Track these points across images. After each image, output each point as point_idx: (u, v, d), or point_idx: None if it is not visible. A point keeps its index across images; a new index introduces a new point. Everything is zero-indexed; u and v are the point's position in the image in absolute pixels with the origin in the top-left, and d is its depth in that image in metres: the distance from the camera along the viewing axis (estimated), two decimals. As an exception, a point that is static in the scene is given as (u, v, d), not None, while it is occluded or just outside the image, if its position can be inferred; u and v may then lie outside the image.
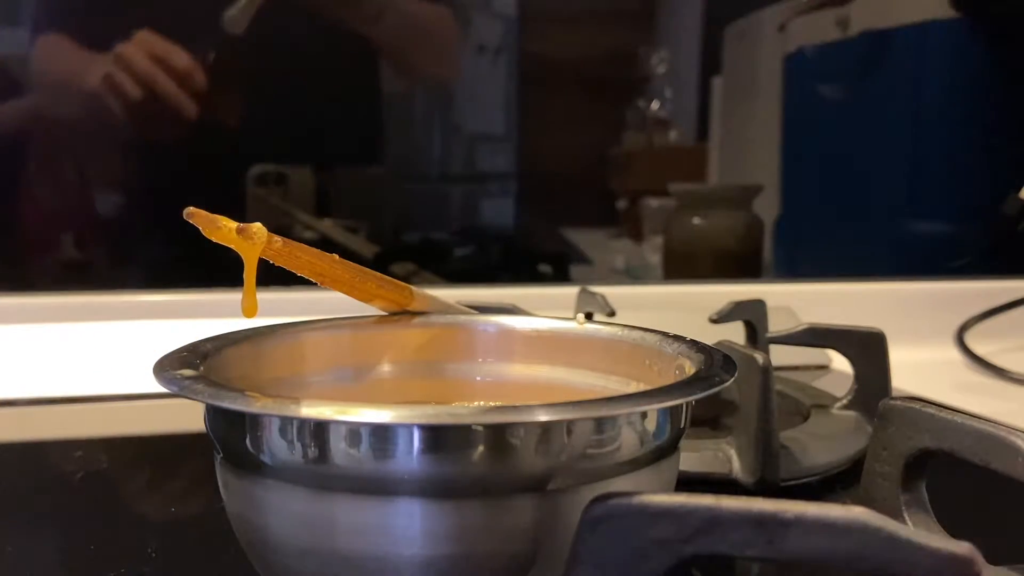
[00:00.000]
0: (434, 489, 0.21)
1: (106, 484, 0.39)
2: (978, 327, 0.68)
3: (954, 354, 0.66)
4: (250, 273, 0.27)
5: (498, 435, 0.21)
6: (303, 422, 0.22)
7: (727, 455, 0.36)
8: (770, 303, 0.54)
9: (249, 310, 0.27)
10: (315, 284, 0.30)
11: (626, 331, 0.30)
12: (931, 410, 0.29)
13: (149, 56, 0.67)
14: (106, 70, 0.68)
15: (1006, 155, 0.80)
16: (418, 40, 0.75)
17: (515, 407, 0.23)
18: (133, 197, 0.74)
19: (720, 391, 0.24)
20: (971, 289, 0.70)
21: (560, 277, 0.81)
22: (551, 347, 0.31)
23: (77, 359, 0.55)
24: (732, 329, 0.53)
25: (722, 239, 0.77)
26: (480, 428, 0.21)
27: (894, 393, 0.43)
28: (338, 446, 0.22)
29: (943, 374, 0.63)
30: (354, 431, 0.22)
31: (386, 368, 0.32)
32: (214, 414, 0.24)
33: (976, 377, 0.63)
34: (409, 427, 0.21)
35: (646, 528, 0.18)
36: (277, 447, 0.22)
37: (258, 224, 0.27)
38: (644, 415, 0.23)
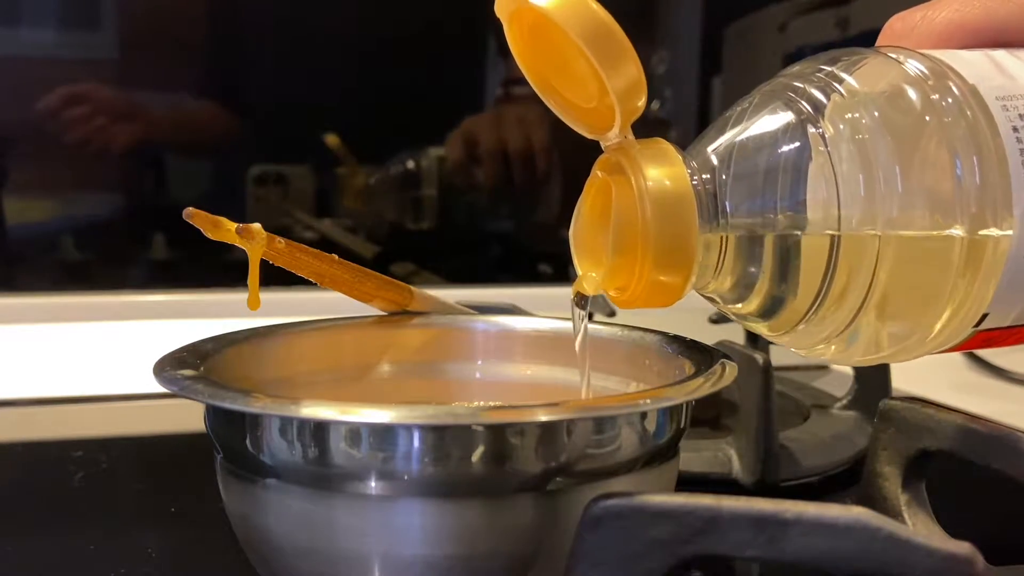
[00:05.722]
0: (434, 489, 0.21)
1: (106, 484, 0.39)
2: (978, 327, 0.67)
3: (954, 354, 0.66)
4: (253, 270, 0.27)
5: (498, 435, 0.21)
6: (303, 422, 0.22)
7: (727, 455, 0.36)
8: (770, 303, 0.54)
9: (253, 304, 0.28)
10: (315, 284, 0.30)
11: (626, 331, 0.30)
12: (931, 410, 0.29)
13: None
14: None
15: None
16: None
17: (515, 407, 0.23)
18: (134, 197, 0.74)
19: (720, 391, 0.24)
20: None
21: (560, 277, 0.81)
22: (551, 347, 0.31)
23: (77, 359, 0.55)
24: (732, 329, 0.52)
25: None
26: (480, 428, 0.21)
27: (894, 393, 0.43)
28: (338, 446, 0.22)
29: (943, 374, 0.63)
30: (354, 431, 0.22)
31: (386, 368, 0.32)
32: (214, 414, 0.24)
33: (976, 377, 0.63)
34: (409, 427, 0.21)
35: (646, 528, 0.18)
36: (277, 447, 0.22)
37: (257, 225, 0.27)
38: (644, 415, 0.23)
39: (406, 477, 0.21)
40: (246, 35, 0.77)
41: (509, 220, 0.84)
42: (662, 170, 0.24)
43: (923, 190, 0.22)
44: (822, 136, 0.23)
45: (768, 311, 0.25)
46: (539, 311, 0.38)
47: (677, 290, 0.25)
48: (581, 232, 0.27)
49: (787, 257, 0.24)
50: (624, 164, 0.24)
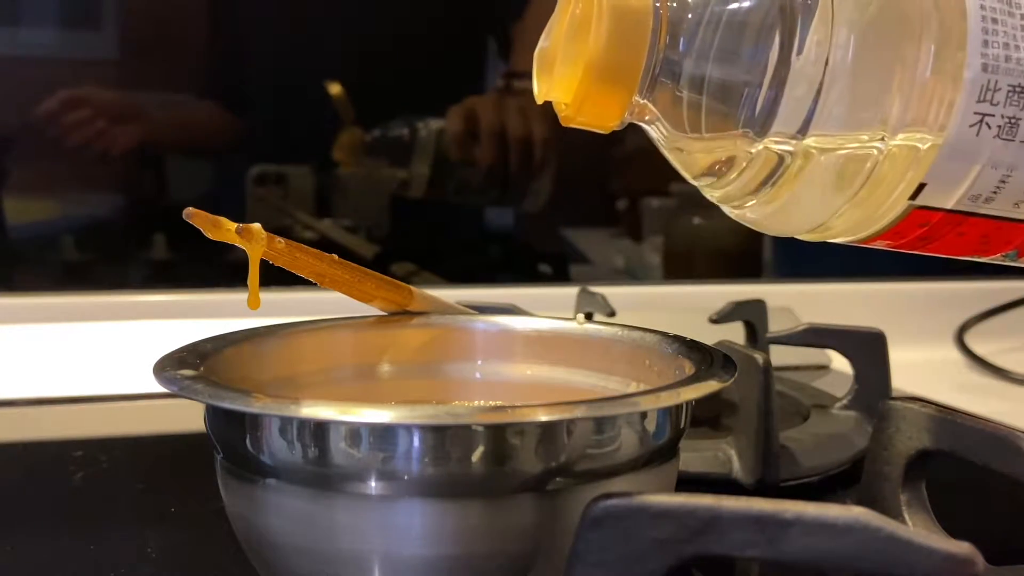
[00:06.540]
0: (434, 489, 0.21)
1: (106, 484, 0.39)
2: (978, 327, 0.68)
3: (954, 354, 0.66)
4: (253, 270, 0.27)
5: (498, 435, 0.21)
6: (303, 422, 0.22)
7: (727, 455, 0.36)
8: (770, 303, 0.54)
9: (253, 304, 0.28)
10: (315, 284, 0.30)
11: (626, 331, 0.30)
12: (931, 410, 0.29)
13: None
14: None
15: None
16: None
17: (515, 407, 0.23)
18: (134, 197, 0.74)
19: (720, 391, 0.24)
20: (971, 289, 0.70)
21: (560, 277, 0.81)
22: (551, 347, 0.31)
23: (77, 359, 0.55)
24: (732, 329, 0.52)
25: (722, 239, 0.77)
26: (480, 428, 0.21)
27: (894, 393, 0.43)
28: (338, 446, 0.22)
29: (943, 374, 0.63)
30: (354, 431, 0.22)
31: (386, 368, 0.32)
32: (214, 414, 0.24)
33: (976, 377, 0.63)
34: (409, 427, 0.21)
35: (646, 528, 0.18)
36: (277, 447, 0.22)
37: (257, 225, 0.27)
38: (644, 415, 0.23)
39: (406, 477, 0.21)
40: (246, 35, 0.77)
41: (509, 217, 0.84)
42: None
43: (878, 47, 0.22)
44: (796, 2, 0.23)
45: (705, 152, 0.25)
46: (539, 311, 0.38)
47: (618, 104, 0.24)
48: (546, 51, 0.27)
49: (733, 99, 0.24)
50: None
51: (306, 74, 0.76)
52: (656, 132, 0.26)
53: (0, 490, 0.39)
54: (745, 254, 0.79)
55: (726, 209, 0.27)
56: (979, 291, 0.70)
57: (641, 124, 0.26)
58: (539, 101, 0.27)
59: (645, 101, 0.25)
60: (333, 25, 0.76)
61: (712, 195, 0.26)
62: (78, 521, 0.35)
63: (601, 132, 0.26)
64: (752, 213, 0.26)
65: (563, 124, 0.26)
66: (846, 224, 0.24)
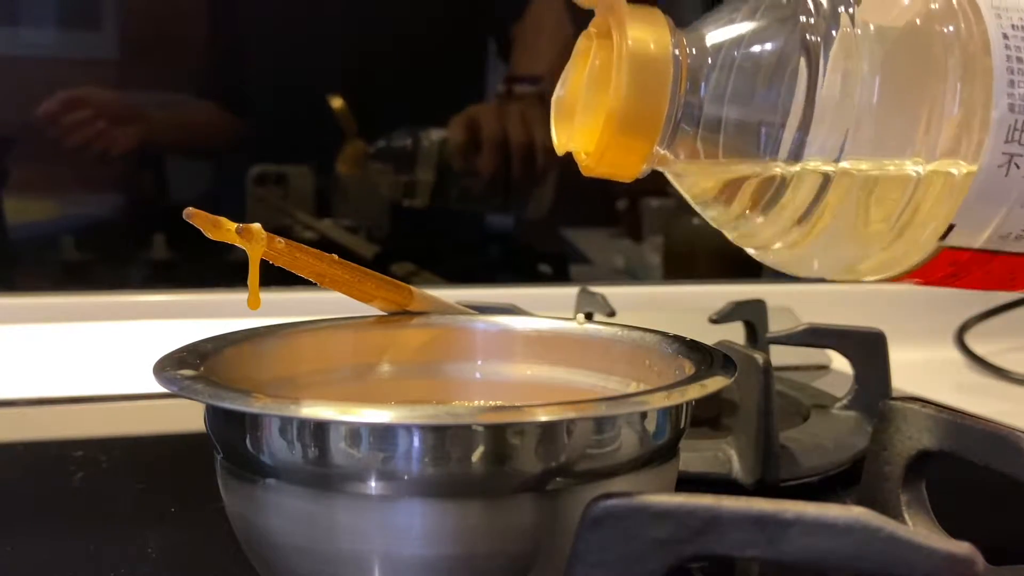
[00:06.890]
0: (434, 489, 0.21)
1: (106, 484, 0.39)
2: (978, 327, 0.68)
3: (954, 354, 0.66)
4: (253, 270, 0.27)
5: (498, 435, 0.21)
6: (303, 422, 0.22)
7: (727, 455, 0.36)
8: (770, 303, 0.54)
9: (253, 304, 0.28)
10: (315, 284, 0.30)
11: (626, 331, 0.30)
12: (931, 410, 0.29)
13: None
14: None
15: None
16: None
17: (515, 407, 0.23)
18: (134, 197, 0.74)
19: (720, 391, 0.24)
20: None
21: (560, 277, 0.81)
22: (551, 347, 0.31)
23: (77, 359, 0.55)
24: (732, 329, 0.53)
25: (722, 239, 0.77)
26: (480, 428, 0.21)
27: (894, 393, 0.43)
28: (338, 446, 0.22)
29: (943, 374, 0.63)
30: (354, 431, 0.22)
31: (386, 368, 0.32)
32: (214, 414, 0.24)
33: (976, 377, 0.63)
34: (409, 427, 0.21)
35: (646, 528, 0.18)
36: (277, 447, 0.22)
37: (257, 225, 0.27)
38: (644, 415, 0.23)
39: (406, 477, 0.21)
40: (246, 35, 0.77)
41: (509, 218, 0.84)
42: (647, 33, 0.24)
43: (904, 85, 0.22)
44: (818, 42, 0.23)
45: (729, 196, 0.25)
46: (539, 311, 0.38)
47: (640, 154, 0.24)
48: (563, 99, 0.27)
49: (755, 142, 0.23)
50: (611, 23, 0.24)
51: (306, 74, 0.76)
52: (678, 179, 0.26)
53: (0, 490, 0.39)
54: (745, 254, 0.79)
55: (750, 251, 0.26)
56: (979, 291, 0.69)
57: (663, 171, 0.26)
58: (559, 152, 0.27)
59: (665, 152, 0.25)
60: (333, 24, 0.76)
61: (732, 235, 0.26)
62: (78, 521, 0.35)
63: (623, 181, 0.25)
64: (775, 256, 0.26)
65: (584, 174, 0.26)
66: (875, 265, 0.24)
